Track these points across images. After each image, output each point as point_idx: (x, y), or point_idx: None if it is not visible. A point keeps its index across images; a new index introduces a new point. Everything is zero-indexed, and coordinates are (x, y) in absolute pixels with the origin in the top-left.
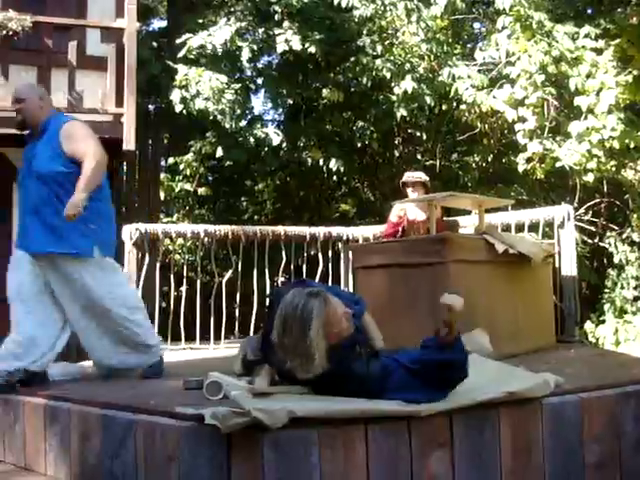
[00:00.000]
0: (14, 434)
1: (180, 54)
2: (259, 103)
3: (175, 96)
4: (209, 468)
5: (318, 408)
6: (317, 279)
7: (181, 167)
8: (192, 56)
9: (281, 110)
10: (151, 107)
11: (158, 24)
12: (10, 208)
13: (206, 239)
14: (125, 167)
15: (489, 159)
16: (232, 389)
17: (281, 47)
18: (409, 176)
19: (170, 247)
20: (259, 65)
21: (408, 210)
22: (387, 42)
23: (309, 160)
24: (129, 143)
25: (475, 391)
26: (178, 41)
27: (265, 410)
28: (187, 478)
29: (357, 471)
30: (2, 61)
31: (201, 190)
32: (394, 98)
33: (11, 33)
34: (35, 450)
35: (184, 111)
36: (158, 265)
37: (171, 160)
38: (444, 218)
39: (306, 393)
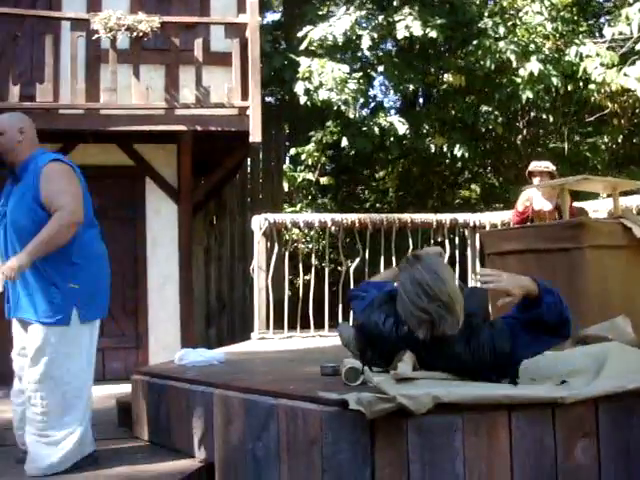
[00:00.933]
0: (159, 416)
1: (302, 46)
2: (378, 91)
3: (299, 88)
4: (352, 452)
5: (463, 394)
6: None
7: (302, 157)
8: (313, 47)
9: (399, 97)
10: (271, 99)
11: (271, 17)
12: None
13: (333, 228)
14: (249, 159)
15: (619, 140)
16: (370, 375)
17: (401, 33)
18: (536, 166)
19: (294, 236)
20: (379, 53)
21: (534, 200)
22: (510, 23)
23: (432, 147)
24: (255, 136)
25: (622, 378)
26: (299, 34)
27: (410, 396)
28: (330, 462)
29: (500, 458)
30: (133, 62)
31: (323, 180)
32: (519, 80)
33: (141, 34)
34: (179, 432)
35: (308, 102)
36: (287, 254)
37: (292, 151)
38: (573, 204)
39: (449, 379)
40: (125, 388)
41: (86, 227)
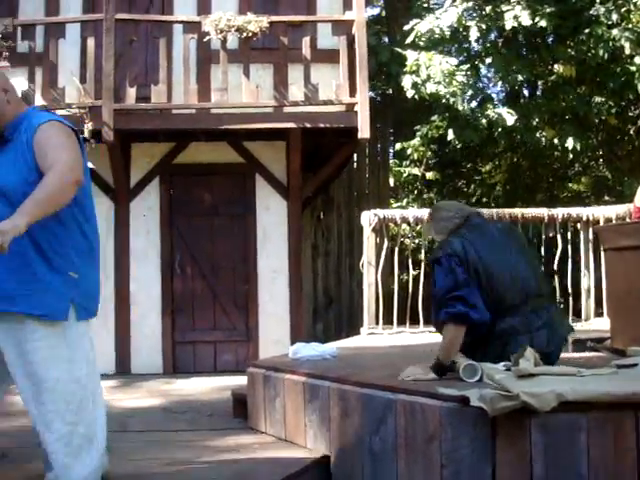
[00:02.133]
0: (275, 408)
1: (408, 39)
2: (484, 83)
3: (406, 82)
4: (472, 450)
5: (588, 391)
6: (556, 260)
7: (408, 152)
8: (421, 42)
9: (506, 88)
10: (371, 93)
11: (370, 12)
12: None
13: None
14: (355, 155)
15: None
16: (490, 372)
17: (509, 24)
18: None
19: (401, 231)
20: (487, 44)
21: None
22: (624, 9)
23: (542, 139)
24: (364, 132)
25: None
26: (406, 27)
27: (534, 394)
28: (449, 458)
29: (627, 458)
30: (243, 61)
31: (429, 174)
32: (633, 69)
33: (250, 35)
34: (295, 424)
35: (415, 96)
36: (397, 250)
37: (398, 146)
38: None
39: (573, 375)
40: (236, 380)
41: (88, 219)
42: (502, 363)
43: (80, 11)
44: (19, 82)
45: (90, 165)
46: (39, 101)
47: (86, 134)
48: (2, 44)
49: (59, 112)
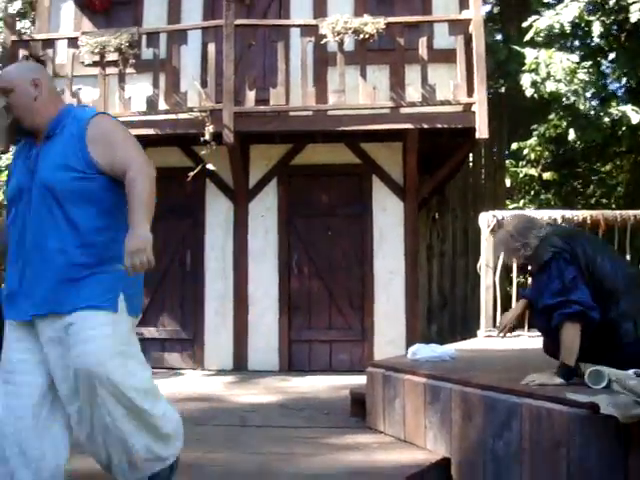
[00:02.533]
0: (394, 409)
1: (527, 36)
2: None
3: (525, 80)
4: (602, 458)
5: None
6: None
7: (524, 152)
8: (539, 38)
9: (630, 85)
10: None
11: (483, 9)
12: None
13: (563, 225)
14: (471, 155)
15: None
16: (620, 378)
17: (635, 16)
18: None
19: None
20: (609, 39)
21: None
22: None
23: None
24: (482, 132)
25: None
26: (524, 24)
27: None
28: (577, 466)
29: None
30: (360, 63)
31: (546, 175)
32: None
33: (367, 36)
34: (415, 425)
35: (535, 95)
36: None
37: (514, 145)
38: None
39: None
40: (351, 379)
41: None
42: (632, 370)
43: (200, 18)
44: (144, 87)
45: (211, 167)
46: (162, 105)
47: (207, 136)
48: (129, 52)
49: (182, 116)
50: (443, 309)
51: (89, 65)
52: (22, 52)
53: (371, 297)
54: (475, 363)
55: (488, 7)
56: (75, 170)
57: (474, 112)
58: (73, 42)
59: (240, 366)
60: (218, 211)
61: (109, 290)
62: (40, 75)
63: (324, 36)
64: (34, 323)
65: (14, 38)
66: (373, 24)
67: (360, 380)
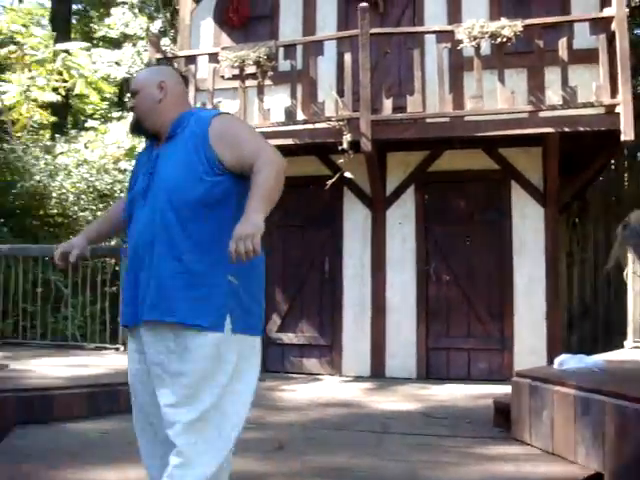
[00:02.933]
0: (541, 420)
1: None
2: None
3: None
4: None
5: None
6: None
7: None
8: None
9: None
10: None
11: None
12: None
13: None
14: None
15: None
16: None
17: None
18: None
19: None
20: None
21: None
22: None
23: None
24: (627, 134)
25: None
26: None
27: None
28: None
29: None
30: (497, 67)
31: None
32: None
33: (504, 40)
34: (564, 438)
35: None
36: None
37: None
38: None
39: None
40: (491, 389)
41: None
42: None
43: (335, 28)
44: (282, 99)
45: (348, 175)
46: (300, 116)
47: (345, 145)
48: (267, 65)
49: (319, 125)
50: (584, 318)
51: (229, 79)
52: None
53: (511, 305)
54: (627, 375)
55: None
56: (197, 171)
57: (618, 113)
58: (213, 57)
59: (378, 373)
60: (356, 219)
61: (219, 306)
62: (167, 78)
63: (460, 41)
64: (143, 329)
65: (159, 56)
66: (510, 27)
67: (501, 389)
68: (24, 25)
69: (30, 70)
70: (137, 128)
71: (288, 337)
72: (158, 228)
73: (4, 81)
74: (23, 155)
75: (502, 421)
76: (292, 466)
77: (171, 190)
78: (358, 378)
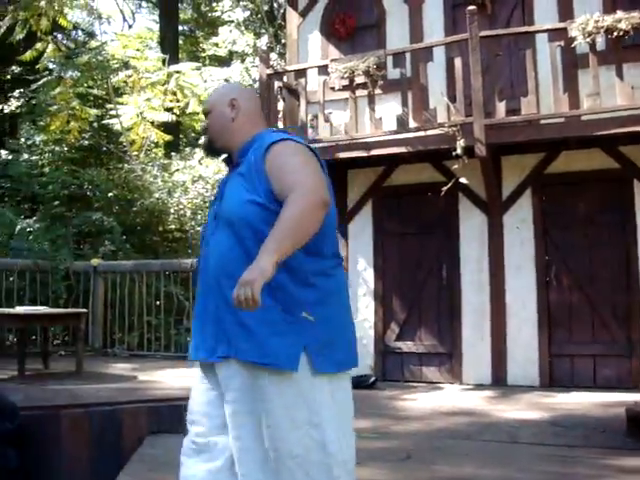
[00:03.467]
0: None
1: None
2: None
3: None
4: None
5: None
6: None
7: None
8: None
9: None
10: None
11: None
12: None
13: None
14: None
15: None
16: None
17: None
18: None
19: None
20: None
21: None
22: None
23: None
24: None
25: None
26: None
27: None
28: None
29: None
30: (615, 62)
31: None
32: None
33: (621, 33)
34: None
35: None
36: None
37: None
38: None
39: None
40: (619, 397)
41: (330, 255)
42: None
43: (442, 34)
44: (392, 107)
45: (463, 180)
46: (412, 123)
47: (459, 151)
48: (377, 74)
49: (431, 132)
50: None
51: (339, 90)
52: (277, 84)
53: (637, 308)
54: None
55: None
56: (254, 202)
57: None
58: (323, 70)
59: (499, 381)
60: (472, 224)
61: (291, 344)
62: (239, 96)
63: (574, 38)
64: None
65: (269, 71)
66: (627, 19)
67: (630, 397)
68: (138, 50)
69: (145, 92)
70: (210, 149)
71: (407, 345)
72: (223, 257)
73: (121, 104)
74: (142, 174)
75: (636, 430)
76: (420, 476)
77: (231, 219)
78: (479, 386)
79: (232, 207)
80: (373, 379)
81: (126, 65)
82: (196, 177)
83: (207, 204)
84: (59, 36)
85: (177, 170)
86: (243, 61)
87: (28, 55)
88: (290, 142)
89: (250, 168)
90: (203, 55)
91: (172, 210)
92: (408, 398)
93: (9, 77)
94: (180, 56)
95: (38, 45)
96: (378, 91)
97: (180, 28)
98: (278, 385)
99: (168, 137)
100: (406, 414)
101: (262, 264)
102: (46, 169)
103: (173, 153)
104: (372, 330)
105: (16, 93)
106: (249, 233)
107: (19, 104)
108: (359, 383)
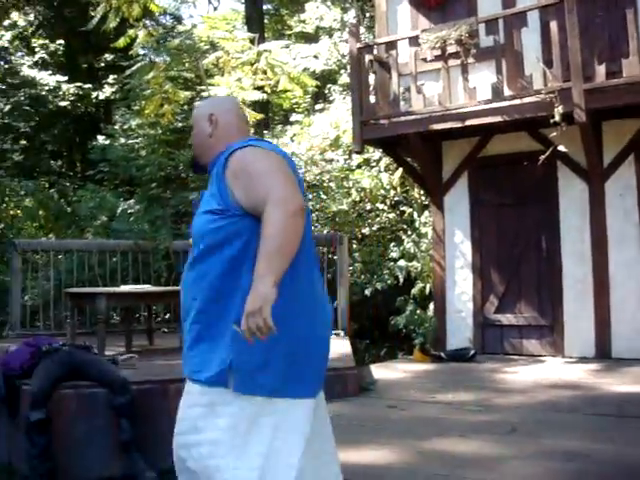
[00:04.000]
0: None
1: None
2: None
3: None
4: None
5: None
6: None
7: None
8: None
9: None
10: None
11: None
12: None
13: None
14: None
15: None
16: None
17: None
18: None
19: None
20: None
21: None
22: None
23: None
24: None
25: None
26: None
27: None
28: None
29: None
30: None
31: None
32: None
33: None
34: None
35: None
36: None
37: None
38: None
39: None
40: None
41: (301, 263)
42: None
43: None
44: (485, 76)
45: (562, 148)
46: (507, 91)
47: (557, 118)
48: (469, 42)
49: (527, 100)
50: None
51: (431, 60)
52: (367, 57)
53: None
54: None
55: None
56: (214, 213)
57: None
58: (414, 41)
59: (603, 354)
60: (572, 193)
61: (221, 361)
62: (216, 110)
63: None
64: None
65: (359, 45)
66: None
67: None
68: (227, 31)
69: (235, 72)
70: (196, 165)
71: (507, 318)
72: (187, 273)
73: (212, 85)
74: None
75: None
76: (525, 449)
77: (195, 234)
78: (582, 359)
79: (196, 222)
80: (473, 352)
81: (214, 47)
82: (289, 154)
83: (300, 181)
84: (147, 22)
85: None
86: (331, 36)
87: (122, 42)
88: (252, 148)
89: (213, 181)
90: (288, 33)
91: None
92: (509, 371)
93: (102, 65)
94: (266, 35)
95: (131, 32)
96: (471, 60)
97: (264, 7)
98: (199, 403)
99: (260, 116)
100: (508, 387)
101: (261, 290)
102: (142, 152)
103: (265, 131)
104: (470, 303)
105: (110, 79)
106: (204, 245)
107: (113, 90)
108: (459, 356)
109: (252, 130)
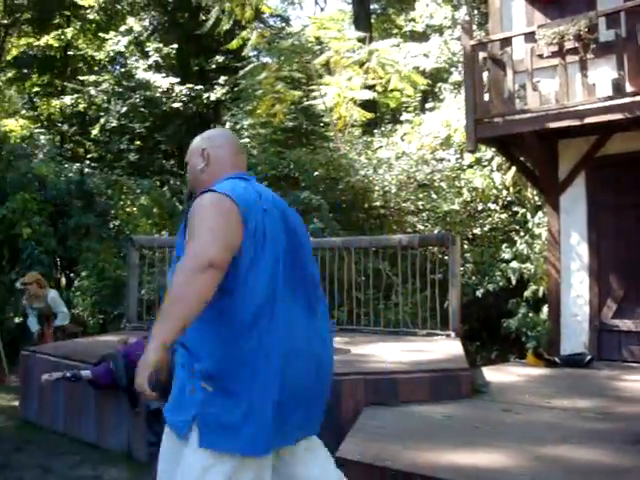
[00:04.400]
0: None
1: None
2: None
3: None
4: None
5: None
6: None
7: None
8: None
9: None
10: None
11: None
12: None
13: None
14: None
15: None
16: None
17: None
18: None
19: None
20: None
21: None
22: None
23: None
24: None
25: None
26: None
27: None
28: None
29: None
30: None
31: None
32: None
33: None
34: None
35: None
36: None
37: None
38: None
39: None
40: None
41: (248, 320)
42: None
43: None
44: (605, 72)
45: None
46: (629, 88)
47: None
48: (588, 37)
49: None
50: None
51: (547, 57)
52: (481, 54)
53: None
54: None
55: None
56: (178, 255)
57: None
58: (530, 37)
59: None
60: None
61: (186, 410)
62: (209, 145)
63: None
64: None
65: (473, 42)
66: None
67: None
68: (339, 30)
69: (345, 71)
70: (194, 200)
71: (625, 324)
72: None
73: (323, 85)
74: (346, 152)
75: None
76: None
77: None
78: None
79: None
80: (589, 357)
81: (321, 47)
82: (400, 154)
83: (411, 180)
84: (257, 24)
85: (380, 147)
86: (441, 34)
87: (235, 43)
88: (210, 194)
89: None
90: (395, 32)
91: (376, 187)
92: (629, 379)
93: (213, 66)
94: (374, 35)
95: (243, 33)
96: (590, 55)
97: (372, 7)
98: (169, 450)
99: (370, 115)
100: (629, 395)
101: (145, 356)
102: (253, 151)
103: (375, 130)
104: (587, 307)
105: (220, 80)
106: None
107: (224, 91)
108: (574, 362)
109: (361, 129)
